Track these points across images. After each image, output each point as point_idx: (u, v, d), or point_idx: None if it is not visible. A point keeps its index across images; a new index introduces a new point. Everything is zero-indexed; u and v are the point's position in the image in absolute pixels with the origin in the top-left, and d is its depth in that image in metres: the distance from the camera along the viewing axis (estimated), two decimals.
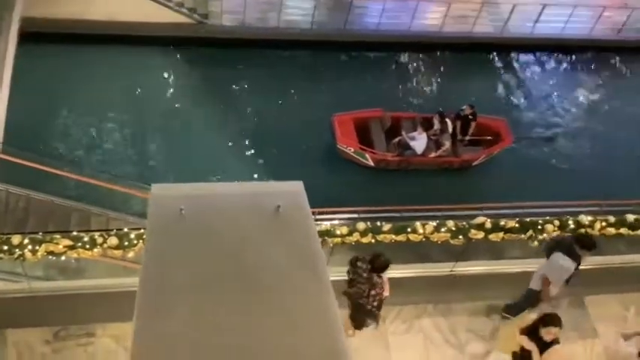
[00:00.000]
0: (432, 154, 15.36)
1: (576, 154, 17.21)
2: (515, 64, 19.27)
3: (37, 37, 14.44)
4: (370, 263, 7.88)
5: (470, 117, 15.67)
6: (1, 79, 11.85)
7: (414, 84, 18.11)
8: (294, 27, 17.39)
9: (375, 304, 8.06)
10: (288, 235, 3.80)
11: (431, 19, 18.28)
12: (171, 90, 16.42)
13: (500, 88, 18.58)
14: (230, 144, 15.62)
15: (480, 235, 9.14)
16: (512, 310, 9.15)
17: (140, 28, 16.41)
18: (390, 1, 17.61)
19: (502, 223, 9.20)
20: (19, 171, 11.18)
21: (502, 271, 10.27)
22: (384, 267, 7.89)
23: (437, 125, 15.40)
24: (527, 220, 9.34)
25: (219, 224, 3.84)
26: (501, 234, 9.15)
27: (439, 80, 18.31)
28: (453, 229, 9.11)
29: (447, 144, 15.33)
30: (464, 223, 9.23)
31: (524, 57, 19.48)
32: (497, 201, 12.21)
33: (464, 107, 15.81)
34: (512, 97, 18.44)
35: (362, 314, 8.23)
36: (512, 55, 19.29)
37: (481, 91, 18.17)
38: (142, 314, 3.43)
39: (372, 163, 15.40)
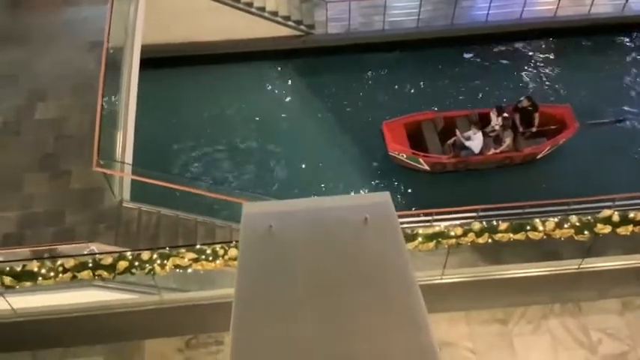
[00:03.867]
0: (491, 152, 14.65)
1: None
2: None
3: (153, 62, 15.30)
4: None
5: (530, 108, 14.88)
6: (128, 106, 12.67)
7: (532, 74, 17.37)
8: (400, 27, 17.26)
9: None
10: (375, 246, 3.81)
11: (544, 3, 17.49)
12: (284, 101, 16.85)
13: (626, 73, 17.36)
14: (342, 151, 15.75)
15: (607, 229, 8.62)
16: None
17: (249, 45, 17.02)
18: None
19: (631, 215, 8.63)
20: (149, 190, 11.98)
21: (636, 266, 9.66)
22: None
23: (495, 121, 14.68)
24: None
25: (307, 238, 3.92)
26: (631, 227, 8.58)
27: (558, 68, 17.47)
28: (577, 224, 8.66)
29: (508, 140, 14.52)
30: (589, 217, 8.76)
31: None
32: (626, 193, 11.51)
33: (522, 99, 15.07)
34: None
35: None
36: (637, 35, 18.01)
37: (604, 77, 17.12)
38: (238, 327, 3.60)
39: (427, 167, 14.89)
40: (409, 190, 14.93)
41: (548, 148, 14.99)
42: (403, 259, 3.76)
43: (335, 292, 3.69)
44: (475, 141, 14.52)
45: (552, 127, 15.06)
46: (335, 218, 4.02)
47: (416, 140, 15.01)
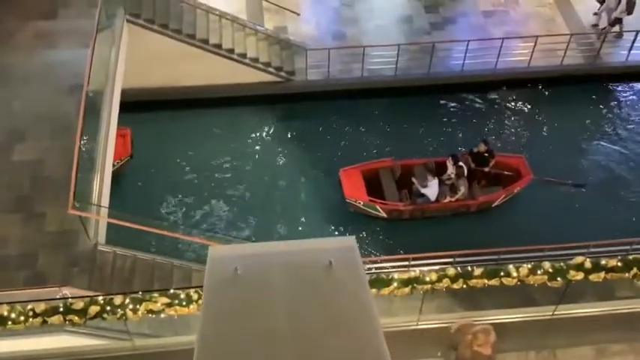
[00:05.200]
0: (447, 199, 14.83)
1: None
2: (612, 95, 18.47)
3: (134, 106, 15.44)
4: None
5: (486, 154, 15.15)
6: (106, 149, 12.69)
7: (503, 123, 17.71)
8: (379, 75, 17.60)
9: None
10: (340, 290, 3.83)
11: (518, 54, 17.97)
12: (261, 145, 16.97)
13: (599, 121, 17.80)
14: (309, 195, 15.89)
15: (580, 276, 8.73)
16: None
17: (230, 90, 17.23)
18: (473, 41, 17.50)
19: (603, 262, 8.76)
20: (126, 233, 11.91)
21: (611, 312, 9.75)
22: None
23: (450, 169, 14.89)
24: (631, 258, 8.83)
25: (272, 282, 3.93)
26: (602, 274, 8.69)
27: (529, 118, 17.85)
28: (550, 270, 8.76)
29: (463, 189, 14.72)
30: (561, 264, 8.87)
31: (620, 87, 18.62)
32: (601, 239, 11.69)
33: (479, 143, 15.30)
34: (611, 130, 17.60)
35: None
36: (608, 85, 18.52)
37: (577, 125, 17.54)
38: None
39: (384, 215, 15.00)
40: (368, 237, 14.99)
41: (502, 196, 15.22)
42: (367, 303, 3.78)
43: (298, 337, 3.67)
44: (431, 188, 14.67)
45: (506, 172, 15.32)
46: (300, 262, 4.03)
47: (373, 187, 15.13)
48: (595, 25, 18.78)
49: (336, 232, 15.01)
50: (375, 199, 14.84)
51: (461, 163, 14.79)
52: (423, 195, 14.73)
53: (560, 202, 15.58)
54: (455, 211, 15.18)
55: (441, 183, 14.74)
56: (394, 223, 15.13)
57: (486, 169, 15.19)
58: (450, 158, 14.94)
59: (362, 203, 14.87)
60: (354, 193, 14.90)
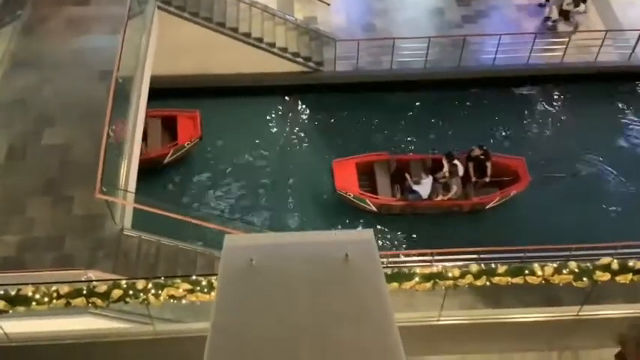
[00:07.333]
0: (439, 198, 14.63)
1: None
2: None
3: (162, 93, 15.56)
4: None
5: (481, 157, 14.84)
6: (134, 135, 12.80)
7: (535, 119, 17.48)
8: (408, 68, 17.46)
9: None
10: (356, 284, 3.80)
11: (551, 50, 17.68)
12: (287, 136, 16.98)
13: (628, 119, 17.47)
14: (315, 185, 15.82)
15: (607, 276, 8.57)
16: None
17: (258, 79, 17.27)
18: (505, 35, 17.25)
19: (630, 263, 8.58)
20: (151, 219, 12.03)
21: (636, 315, 9.55)
22: None
23: (446, 167, 14.65)
24: None
25: (287, 273, 3.91)
26: (630, 276, 8.52)
27: (562, 114, 17.59)
28: (576, 270, 8.61)
29: (455, 188, 14.50)
30: (588, 264, 8.72)
31: None
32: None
33: (473, 147, 14.98)
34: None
35: None
36: None
37: (606, 123, 17.25)
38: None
39: (374, 209, 14.85)
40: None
41: (497, 199, 14.92)
42: (384, 296, 3.74)
43: (312, 330, 3.65)
44: (423, 186, 14.51)
45: (506, 178, 15.05)
46: (316, 254, 3.99)
47: (367, 180, 15.08)
48: (552, 21, 18.35)
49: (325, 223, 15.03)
50: (364, 193, 14.76)
51: (456, 162, 14.56)
52: (414, 192, 14.60)
53: (559, 206, 15.18)
54: (447, 210, 14.99)
55: (434, 181, 14.58)
56: (386, 217, 15.02)
57: (487, 179, 14.91)
58: (445, 156, 14.73)
59: (352, 195, 14.77)
60: (344, 185, 14.80)
